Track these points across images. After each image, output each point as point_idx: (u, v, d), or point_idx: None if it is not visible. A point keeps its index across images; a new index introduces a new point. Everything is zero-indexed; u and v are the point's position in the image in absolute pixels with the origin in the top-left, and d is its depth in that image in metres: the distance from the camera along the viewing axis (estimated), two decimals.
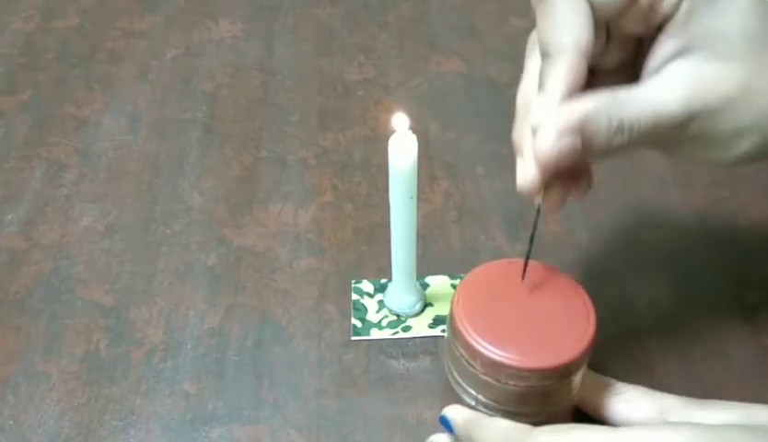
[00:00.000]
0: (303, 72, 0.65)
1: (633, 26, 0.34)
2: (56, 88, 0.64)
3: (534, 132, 0.33)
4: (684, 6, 0.33)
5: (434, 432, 0.38)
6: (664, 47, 0.34)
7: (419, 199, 0.42)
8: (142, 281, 0.49)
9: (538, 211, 0.35)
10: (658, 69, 0.34)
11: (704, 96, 0.33)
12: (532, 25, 0.36)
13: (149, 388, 0.43)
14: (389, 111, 0.61)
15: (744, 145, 0.34)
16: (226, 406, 0.43)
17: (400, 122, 0.38)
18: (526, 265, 0.36)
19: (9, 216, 0.53)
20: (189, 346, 0.45)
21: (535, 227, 0.35)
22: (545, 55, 0.33)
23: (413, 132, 0.39)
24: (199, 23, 0.71)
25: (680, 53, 0.34)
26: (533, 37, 0.38)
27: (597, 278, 0.49)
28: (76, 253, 0.51)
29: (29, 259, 0.50)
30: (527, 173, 0.34)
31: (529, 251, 0.36)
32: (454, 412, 0.36)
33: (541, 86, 0.33)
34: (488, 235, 0.52)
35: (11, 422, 0.42)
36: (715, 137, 0.34)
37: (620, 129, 0.33)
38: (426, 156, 0.57)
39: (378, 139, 0.59)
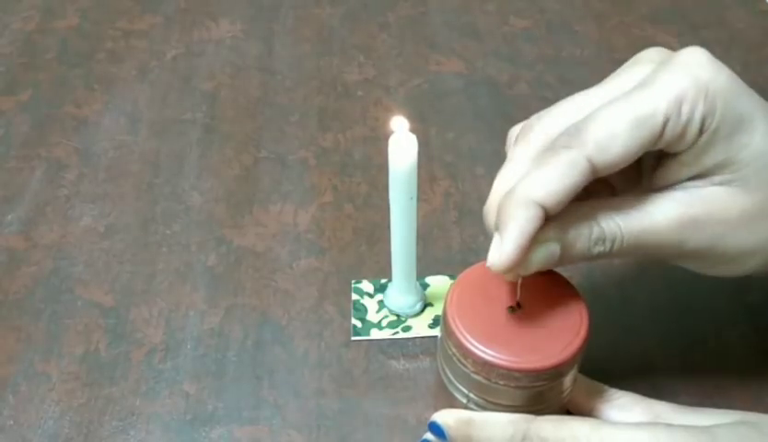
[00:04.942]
0: (303, 72, 0.65)
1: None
2: (56, 88, 0.64)
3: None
4: (703, 140, 0.32)
5: None
6: (673, 171, 0.33)
7: (419, 199, 0.42)
8: (142, 281, 0.49)
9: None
10: (661, 189, 0.33)
11: (699, 216, 0.33)
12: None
13: (149, 388, 0.43)
14: (389, 111, 0.61)
15: (752, 263, 0.34)
16: (226, 406, 0.43)
17: (399, 124, 0.38)
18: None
19: (9, 216, 0.53)
20: (189, 346, 0.45)
21: None
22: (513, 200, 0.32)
23: (413, 132, 0.39)
24: (199, 23, 0.71)
25: (687, 179, 0.33)
26: (516, 129, 0.37)
27: (597, 278, 0.49)
28: (76, 253, 0.51)
29: (29, 259, 0.50)
30: (500, 253, 0.32)
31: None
32: (445, 416, 0.36)
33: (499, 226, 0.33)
34: (488, 235, 0.51)
35: (11, 422, 0.42)
36: (718, 257, 0.33)
37: (600, 239, 0.33)
38: (426, 156, 0.57)
39: (378, 139, 0.59)
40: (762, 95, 0.33)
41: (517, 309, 0.35)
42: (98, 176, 0.56)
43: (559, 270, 0.37)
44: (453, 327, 0.34)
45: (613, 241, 0.33)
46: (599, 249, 0.33)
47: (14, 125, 0.61)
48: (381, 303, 0.47)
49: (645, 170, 0.36)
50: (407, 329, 0.46)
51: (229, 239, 0.52)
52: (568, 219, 0.33)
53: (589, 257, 0.33)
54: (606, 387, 0.37)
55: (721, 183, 0.33)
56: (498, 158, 0.57)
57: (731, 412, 0.34)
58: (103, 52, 0.68)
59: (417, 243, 0.43)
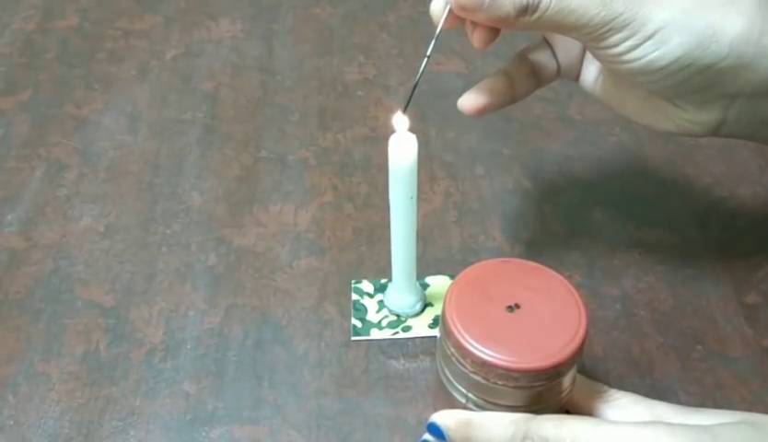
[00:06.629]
0: (303, 72, 0.65)
1: None
2: (56, 88, 0.64)
3: None
4: None
5: None
6: None
7: (419, 199, 0.42)
8: (142, 281, 0.49)
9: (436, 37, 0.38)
10: None
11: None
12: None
13: (149, 388, 0.43)
14: (390, 111, 0.61)
15: (674, 41, 0.35)
16: (227, 406, 0.43)
17: (399, 122, 0.38)
18: (410, 97, 0.38)
19: (9, 216, 0.53)
20: (189, 346, 0.45)
21: (427, 57, 0.38)
22: None
23: (413, 132, 0.39)
24: (199, 23, 0.71)
25: None
26: None
27: (597, 278, 0.49)
28: (76, 253, 0.51)
29: (29, 259, 0.50)
30: None
31: (417, 81, 0.38)
32: (444, 418, 0.35)
33: None
34: (488, 235, 0.52)
35: (11, 422, 0.42)
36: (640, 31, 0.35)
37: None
38: (426, 156, 0.57)
39: (378, 139, 0.59)
40: None
41: (515, 309, 0.35)
42: (99, 176, 0.56)
43: (558, 270, 0.37)
44: (452, 327, 0.34)
45: (543, 11, 0.35)
46: (525, 19, 0.35)
47: (14, 125, 0.61)
48: (381, 303, 0.47)
49: None
50: (407, 329, 0.46)
51: (229, 239, 0.52)
52: None
53: (515, 22, 0.36)
54: (606, 387, 0.37)
55: None
56: (498, 158, 0.58)
57: (731, 412, 0.34)
58: (103, 52, 0.68)
59: (417, 243, 0.43)
